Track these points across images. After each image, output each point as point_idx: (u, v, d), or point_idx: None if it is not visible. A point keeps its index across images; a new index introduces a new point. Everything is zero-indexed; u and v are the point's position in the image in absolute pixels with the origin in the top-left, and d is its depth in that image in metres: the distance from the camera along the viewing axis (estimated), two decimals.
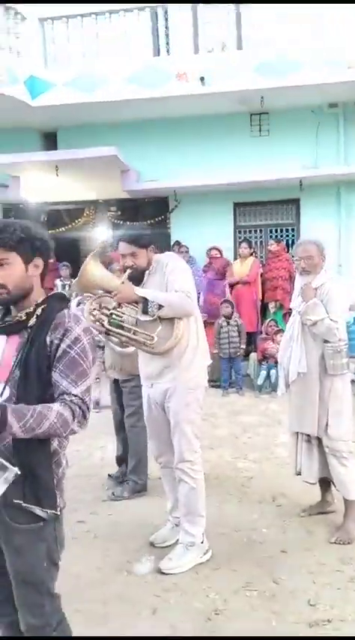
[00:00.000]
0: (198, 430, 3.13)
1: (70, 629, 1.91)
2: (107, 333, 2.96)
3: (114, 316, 2.93)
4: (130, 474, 4.12)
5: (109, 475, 4.39)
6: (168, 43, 8.56)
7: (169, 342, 2.92)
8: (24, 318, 1.75)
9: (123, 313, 2.98)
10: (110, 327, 2.91)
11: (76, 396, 1.68)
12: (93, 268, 2.93)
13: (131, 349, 3.77)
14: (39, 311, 1.75)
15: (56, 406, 1.65)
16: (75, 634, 2.12)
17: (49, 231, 9.83)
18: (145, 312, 2.89)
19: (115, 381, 4.26)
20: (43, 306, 1.76)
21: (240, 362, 7.56)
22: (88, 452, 4.95)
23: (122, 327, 2.96)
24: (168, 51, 8.55)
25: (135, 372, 3.94)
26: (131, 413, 4.11)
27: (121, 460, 4.33)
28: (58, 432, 1.65)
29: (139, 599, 2.81)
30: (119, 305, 2.94)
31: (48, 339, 1.70)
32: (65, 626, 1.88)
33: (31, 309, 1.76)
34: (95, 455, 4.96)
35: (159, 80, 8.32)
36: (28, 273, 1.76)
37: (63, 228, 10.03)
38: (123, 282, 2.92)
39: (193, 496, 3.09)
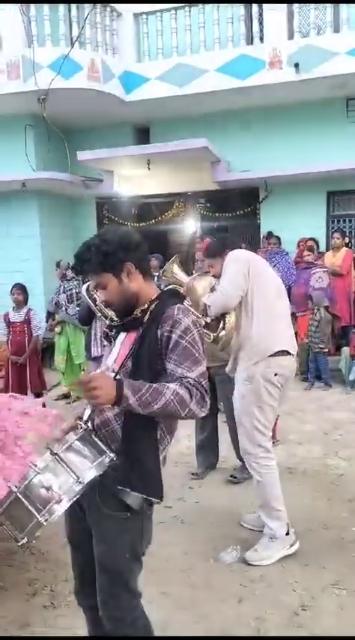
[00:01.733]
0: (261, 424, 3.11)
1: (149, 628, 1.88)
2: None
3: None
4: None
5: (193, 474, 4.32)
6: (261, 30, 8.40)
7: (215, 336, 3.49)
8: (139, 315, 1.83)
9: None
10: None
11: (192, 378, 1.70)
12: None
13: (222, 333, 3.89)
14: (153, 307, 1.82)
15: (173, 385, 1.68)
16: (162, 616, 2.18)
17: (140, 224, 10.14)
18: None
19: (206, 370, 4.26)
20: (156, 302, 1.83)
21: (323, 358, 7.25)
22: (175, 439, 5.03)
23: None
24: (261, 39, 8.40)
25: (227, 358, 4.00)
26: (227, 398, 4.09)
27: (201, 448, 4.36)
28: (176, 410, 1.66)
29: (225, 587, 2.84)
30: None
31: (159, 333, 1.76)
32: (140, 625, 1.85)
33: (146, 306, 1.83)
34: (182, 443, 5.03)
35: (251, 69, 8.20)
36: (123, 283, 1.82)
37: (153, 221, 10.20)
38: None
39: (261, 489, 3.12)
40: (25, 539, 1.57)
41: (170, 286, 2.45)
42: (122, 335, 1.91)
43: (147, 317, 1.81)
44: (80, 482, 1.58)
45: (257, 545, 3.10)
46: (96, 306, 4.23)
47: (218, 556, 3.10)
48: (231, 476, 4.14)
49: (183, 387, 1.67)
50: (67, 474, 1.58)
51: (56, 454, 1.60)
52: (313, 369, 7.31)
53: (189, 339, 1.74)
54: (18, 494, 1.58)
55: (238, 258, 3.24)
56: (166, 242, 12.31)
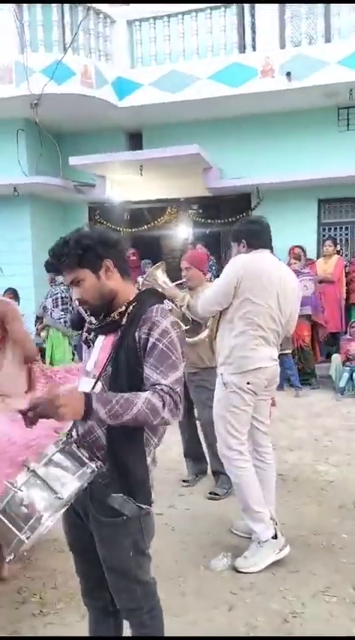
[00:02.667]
0: (234, 428, 3.12)
1: (162, 615, 1.94)
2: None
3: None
4: (221, 468, 4.00)
5: (184, 481, 4.31)
6: (254, 39, 8.47)
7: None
8: (117, 317, 1.78)
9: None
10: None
11: (166, 385, 1.66)
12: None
13: (198, 338, 3.88)
14: (130, 308, 1.77)
15: (145, 394, 1.64)
16: None
17: (132, 230, 10.15)
18: None
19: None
20: (134, 304, 1.78)
21: (288, 359, 7.12)
22: (166, 445, 5.01)
23: None
24: (253, 47, 8.47)
25: (201, 365, 4.00)
26: (204, 407, 4.03)
27: (189, 455, 4.36)
28: (148, 419, 1.62)
29: (216, 594, 2.83)
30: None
31: (137, 335, 1.71)
32: (158, 612, 1.92)
33: (123, 308, 1.78)
34: (173, 449, 5.01)
35: (243, 77, 8.26)
36: (101, 280, 1.77)
37: (145, 227, 10.22)
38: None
39: (240, 491, 3.14)
40: (12, 556, 1.54)
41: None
42: (100, 338, 1.85)
43: (125, 319, 1.76)
44: (59, 498, 1.54)
45: (246, 551, 3.09)
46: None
47: (209, 563, 3.09)
48: (210, 493, 4.03)
49: (156, 395, 1.64)
50: (46, 490, 1.54)
51: (33, 471, 1.56)
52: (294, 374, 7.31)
53: (166, 342, 1.69)
54: None
55: (234, 268, 3.06)
56: (158, 248, 12.33)
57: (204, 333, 3.91)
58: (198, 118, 9.06)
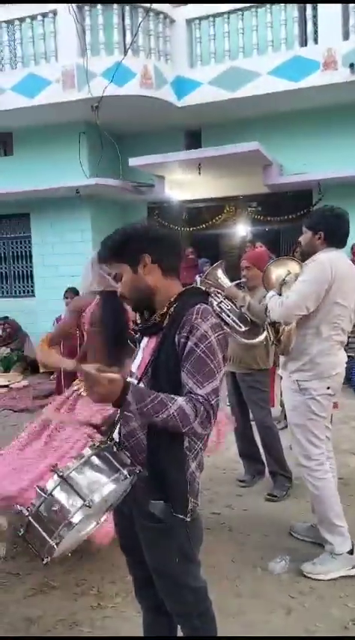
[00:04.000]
0: (315, 436, 2.97)
1: (214, 620, 1.90)
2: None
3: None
4: (279, 471, 4.01)
5: (241, 481, 4.28)
6: (315, 32, 8.27)
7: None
8: (158, 319, 1.74)
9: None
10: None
11: (201, 396, 1.60)
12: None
13: (257, 340, 3.80)
14: (172, 309, 1.72)
15: (180, 400, 1.59)
16: None
17: (191, 229, 10.16)
18: None
19: (233, 375, 4.12)
20: (175, 305, 1.72)
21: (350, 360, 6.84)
22: (225, 445, 4.99)
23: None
24: (315, 40, 8.26)
25: (255, 366, 3.93)
26: (258, 408, 4.03)
27: (244, 456, 4.31)
28: (176, 425, 1.58)
29: (273, 597, 2.78)
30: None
31: (176, 339, 1.66)
32: (209, 616, 1.88)
33: (165, 309, 1.73)
34: (231, 449, 4.98)
35: (305, 71, 8.08)
36: (138, 274, 1.74)
37: (203, 225, 10.20)
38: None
39: (319, 503, 2.99)
40: (48, 558, 1.54)
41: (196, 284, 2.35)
42: (145, 340, 1.82)
43: (166, 321, 1.71)
44: (87, 505, 1.50)
45: (316, 558, 2.99)
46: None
47: (266, 565, 3.05)
48: (268, 494, 3.96)
49: (190, 404, 1.59)
50: (74, 496, 1.52)
51: (62, 476, 1.54)
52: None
53: (204, 347, 1.62)
54: (29, 518, 1.54)
55: (323, 270, 2.85)
56: (217, 246, 12.29)
57: (262, 336, 3.82)
58: (257, 115, 8.94)
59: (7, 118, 9.17)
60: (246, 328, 3.78)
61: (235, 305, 3.89)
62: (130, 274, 1.75)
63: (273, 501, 3.90)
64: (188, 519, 1.70)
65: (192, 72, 8.82)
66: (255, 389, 4.00)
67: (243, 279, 4.10)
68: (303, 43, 8.39)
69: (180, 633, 2.00)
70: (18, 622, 2.68)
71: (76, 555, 3.23)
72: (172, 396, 1.61)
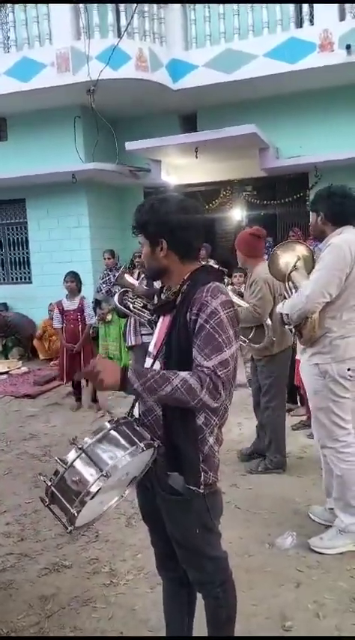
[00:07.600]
0: (340, 418, 2.95)
1: (234, 589, 1.97)
2: None
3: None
4: (266, 450, 4.17)
5: (240, 451, 4.45)
6: (311, 13, 8.20)
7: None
8: (171, 297, 1.79)
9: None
10: None
11: (207, 367, 1.64)
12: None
13: (261, 345, 3.89)
14: (184, 287, 1.76)
15: (183, 373, 1.64)
16: None
17: None
18: None
19: (252, 359, 4.33)
20: (187, 283, 1.76)
21: None
22: (227, 427, 5.05)
23: None
24: (311, 21, 8.20)
25: (266, 352, 4.00)
26: (264, 392, 4.16)
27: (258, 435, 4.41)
28: (183, 398, 1.61)
29: (282, 571, 2.85)
30: None
31: (188, 316, 1.70)
32: (230, 585, 1.95)
33: (177, 287, 1.78)
34: (233, 431, 5.05)
35: (301, 52, 8.02)
36: (155, 254, 1.79)
37: None
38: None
39: (341, 484, 3.00)
40: (73, 527, 1.63)
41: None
42: (160, 319, 1.88)
43: (178, 299, 1.76)
44: (105, 475, 1.57)
45: (324, 533, 3.06)
46: (131, 310, 4.25)
47: (274, 541, 3.11)
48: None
49: (194, 376, 1.62)
50: (93, 467, 1.60)
51: (81, 448, 1.62)
52: None
53: (213, 323, 1.66)
54: (53, 488, 1.63)
55: (343, 254, 2.79)
56: (213, 231, 12.28)
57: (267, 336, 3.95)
58: (253, 97, 8.90)
59: (0, 103, 9.07)
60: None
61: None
62: (149, 250, 1.82)
63: (251, 474, 4.10)
64: (201, 491, 1.76)
65: (187, 54, 8.73)
66: (264, 373, 4.15)
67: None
68: (299, 24, 8.33)
69: (198, 606, 2.06)
70: (33, 600, 2.74)
71: (88, 535, 3.30)
72: (174, 371, 1.66)
